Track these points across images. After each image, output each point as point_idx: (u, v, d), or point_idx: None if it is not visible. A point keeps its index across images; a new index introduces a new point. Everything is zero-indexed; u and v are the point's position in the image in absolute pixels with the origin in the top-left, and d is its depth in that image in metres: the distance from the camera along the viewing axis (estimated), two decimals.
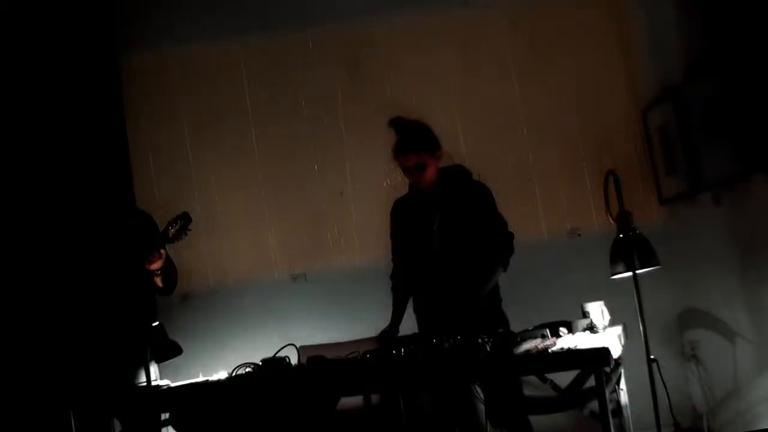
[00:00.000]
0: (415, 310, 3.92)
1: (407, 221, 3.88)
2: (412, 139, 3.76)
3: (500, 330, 3.40)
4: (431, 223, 3.75)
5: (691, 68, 4.41)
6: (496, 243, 3.76)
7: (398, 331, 3.75)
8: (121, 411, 3.58)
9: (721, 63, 4.14)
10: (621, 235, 3.57)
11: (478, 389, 3.53)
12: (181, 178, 5.18)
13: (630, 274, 3.51)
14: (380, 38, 5.16)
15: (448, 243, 3.72)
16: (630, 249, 3.52)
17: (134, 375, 3.74)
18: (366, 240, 5.05)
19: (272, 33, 5.18)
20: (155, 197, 5.10)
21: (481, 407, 3.55)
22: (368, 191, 5.06)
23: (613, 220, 3.61)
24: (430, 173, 3.75)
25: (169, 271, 3.95)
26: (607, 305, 3.56)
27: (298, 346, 3.70)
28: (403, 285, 3.90)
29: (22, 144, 4.79)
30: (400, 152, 3.78)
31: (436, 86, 5.09)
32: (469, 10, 5.11)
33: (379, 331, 3.82)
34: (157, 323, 3.78)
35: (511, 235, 3.80)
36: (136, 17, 5.09)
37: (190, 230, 3.97)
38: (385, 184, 5.03)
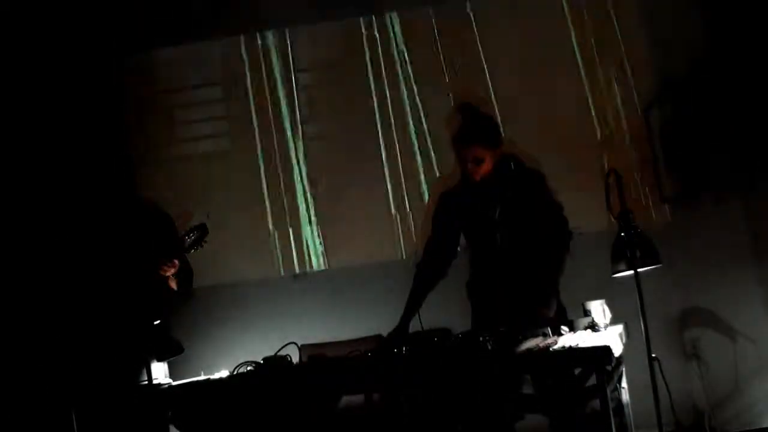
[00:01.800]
0: (471, 299, 3.88)
1: (464, 214, 3.82)
2: (478, 132, 3.70)
3: (502, 329, 3.40)
4: (492, 215, 3.70)
5: (693, 67, 4.41)
6: (557, 230, 3.74)
7: (407, 332, 3.71)
8: (124, 410, 3.58)
9: (723, 62, 4.14)
10: (622, 234, 3.56)
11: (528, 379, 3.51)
12: (183, 176, 5.18)
13: (631, 272, 3.50)
14: (381, 32, 5.16)
15: (512, 234, 3.70)
16: (631, 247, 3.51)
17: (137, 374, 3.74)
18: (368, 239, 5.06)
19: (274, 30, 5.18)
20: (157, 195, 5.11)
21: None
22: (372, 190, 5.07)
23: (614, 218, 3.60)
24: (487, 167, 3.70)
25: (185, 274, 3.95)
26: (608, 304, 3.55)
27: (299, 345, 3.70)
28: (430, 278, 3.84)
29: (24, 142, 4.80)
30: (462, 142, 3.69)
31: (436, 84, 5.09)
32: (469, 10, 5.11)
33: (378, 331, 3.81)
34: (158, 321, 3.78)
35: (566, 221, 3.79)
36: (137, 15, 5.08)
37: (206, 242, 3.98)
38: (388, 183, 5.03)
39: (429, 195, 4.93)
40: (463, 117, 3.74)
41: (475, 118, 3.75)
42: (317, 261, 5.11)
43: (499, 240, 3.67)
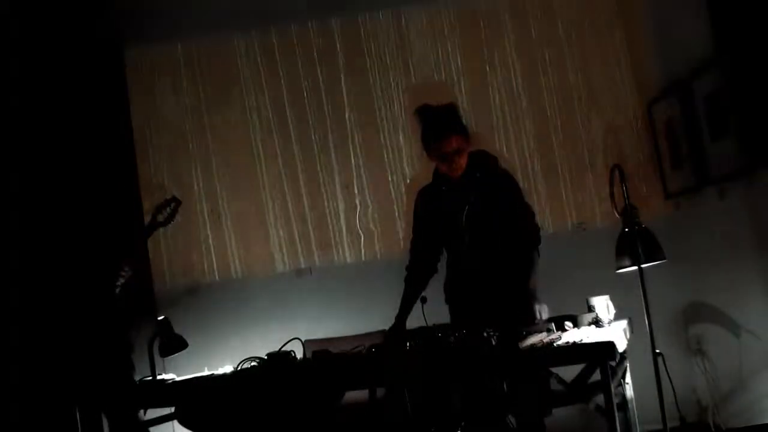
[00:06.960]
0: (448, 301, 3.87)
1: (436, 211, 3.80)
2: (449, 123, 3.64)
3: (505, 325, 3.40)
4: (461, 212, 3.68)
5: (697, 62, 4.40)
6: (528, 232, 3.73)
7: (404, 329, 3.72)
8: (108, 406, 3.59)
9: (727, 57, 4.13)
10: (626, 229, 3.56)
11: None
12: (186, 174, 5.18)
13: (635, 268, 3.50)
14: (386, 30, 5.16)
15: (479, 232, 3.69)
16: (635, 243, 3.51)
17: (130, 370, 3.76)
18: (371, 235, 5.06)
19: (276, 26, 5.18)
20: (160, 194, 5.11)
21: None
22: (374, 186, 5.07)
23: (618, 214, 3.60)
24: (465, 158, 3.66)
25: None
26: (612, 299, 3.55)
27: (303, 340, 3.71)
28: (420, 278, 3.83)
29: (25, 139, 4.79)
30: (437, 138, 3.62)
31: (441, 80, 5.09)
32: (475, 4, 5.10)
33: (382, 326, 3.80)
34: (162, 317, 3.79)
35: (538, 227, 3.77)
36: (140, 8, 5.07)
37: (179, 213, 3.97)
38: (391, 179, 5.03)
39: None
40: (426, 117, 3.68)
41: (440, 113, 3.69)
42: (321, 257, 5.10)
43: (468, 241, 3.67)
